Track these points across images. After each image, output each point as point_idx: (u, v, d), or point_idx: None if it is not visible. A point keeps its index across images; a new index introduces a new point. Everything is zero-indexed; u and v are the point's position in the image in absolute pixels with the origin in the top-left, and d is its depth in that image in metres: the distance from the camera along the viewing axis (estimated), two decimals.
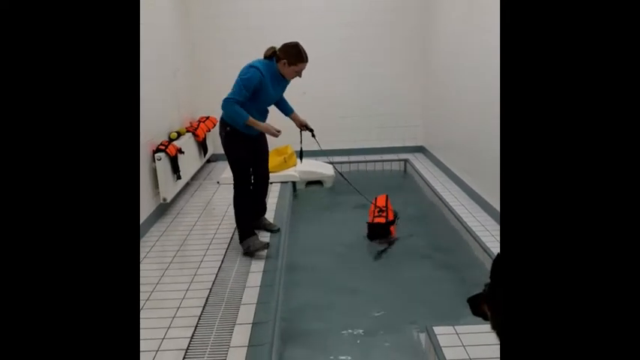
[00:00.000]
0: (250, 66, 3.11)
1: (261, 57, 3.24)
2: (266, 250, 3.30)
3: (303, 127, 3.64)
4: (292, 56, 3.15)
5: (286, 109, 3.63)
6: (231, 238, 3.64)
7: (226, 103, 3.11)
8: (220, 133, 3.29)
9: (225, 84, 5.64)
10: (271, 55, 3.19)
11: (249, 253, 3.29)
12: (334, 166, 4.60)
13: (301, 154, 3.85)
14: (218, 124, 3.34)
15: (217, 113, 5.65)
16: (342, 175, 4.62)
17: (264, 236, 3.58)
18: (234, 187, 3.34)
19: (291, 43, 3.18)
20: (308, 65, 3.30)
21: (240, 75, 3.12)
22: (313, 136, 3.74)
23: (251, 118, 3.13)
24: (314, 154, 5.08)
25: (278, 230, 3.69)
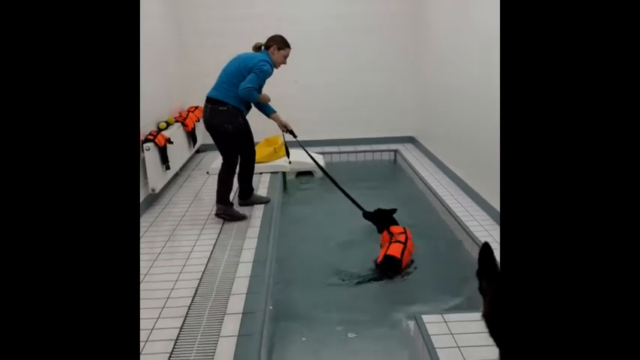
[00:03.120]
0: (264, 60, 3.57)
1: (249, 50, 3.74)
2: (245, 220, 3.80)
3: (284, 128, 3.98)
4: (280, 42, 3.69)
5: (267, 110, 3.89)
6: (221, 228, 3.63)
7: (250, 92, 3.53)
8: (236, 121, 3.62)
9: (214, 74, 5.62)
10: (260, 47, 3.74)
11: (249, 204, 4.03)
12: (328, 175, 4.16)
13: (287, 152, 4.33)
14: (227, 113, 3.58)
15: None
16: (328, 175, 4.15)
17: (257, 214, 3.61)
18: (247, 160, 3.90)
19: (275, 34, 3.73)
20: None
21: (257, 66, 3.53)
22: (295, 137, 4.00)
23: (262, 95, 3.72)
24: (304, 144, 5.08)
25: (269, 201, 4.15)
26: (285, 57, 3.74)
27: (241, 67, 3.59)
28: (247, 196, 4.09)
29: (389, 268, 3.13)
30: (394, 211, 3.69)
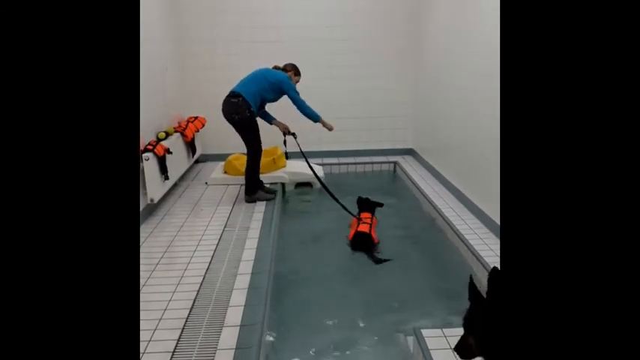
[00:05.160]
0: (289, 78, 4.28)
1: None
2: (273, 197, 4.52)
3: (287, 131, 4.59)
4: (296, 69, 4.43)
5: (269, 118, 4.63)
6: (220, 239, 3.62)
7: (305, 104, 4.28)
8: (243, 113, 4.11)
9: (214, 84, 5.67)
10: (278, 68, 4.40)
11: (253, 200, 4.42)
12: (319, 179, 4.71)
13: (287, 155, 4.99)
14: (236, 104, 4.10)
15: (206, 113, 5.68)
16: (326, 188, 4.51)
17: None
18: (252, 152, 4.31)
19: (290, 63, 4.43)
20: (301, 66, 4.43)
21: (287, 83, 4.21)
22: (295, 138, 4.58)
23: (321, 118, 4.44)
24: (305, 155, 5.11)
25: (274, 197, 4.54)
26: (297, 82, 4.41)
27: (266, 75, 4.22)
28: (253, 191, 4.41)
29: (361, 244, 3.72)
30: (380, 205, 4.25)
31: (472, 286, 1.39)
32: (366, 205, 4.19)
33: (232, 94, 4.15)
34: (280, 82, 4.20)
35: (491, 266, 3.06)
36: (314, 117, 4.33)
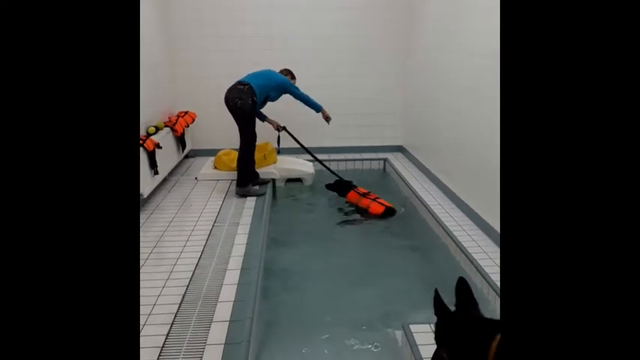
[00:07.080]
0: (289, 79, 4.59)
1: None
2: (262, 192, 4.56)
3: (280, 127, 4.82)
4: (292, 73, 4.74)
5: (262, 117, 4.81)
6: (209, 234, 3.61)
7: (308, 96, 4.58)
8: (246, 100, 4.22)
9: (204, 79, 5.63)
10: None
11: (244, 194, 4.46)
12: (322, 163, 5.10)
13: (278, 151, 5.15)
14: (242, 90, 4.23)
15: (197, 108, 5.66)
16: (328, 168, 5.04)
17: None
18: (246, 142, 4.41)
19: (286, 68, 4.72)
20: (289, 63, 4.58)
21: (289, 83, 4.53)
22: (287, 132, 4.87)
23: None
24: (294, 151, 5.11)
25: (269, 181, 4.92)
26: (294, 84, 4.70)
27: (272, 75, 4.49)
28: (245, 184, 4.47)
29: (387, 214, 4.28)
30: (350, 182, 4.69)
31: (438, 300, 1.35)
32: (343, 187, 4.63)
33: (240, 83, 4.29)
34: (283, 82, 4.49)
35: (479, 263, 3.10)
36: (316, 107, 4.63)
